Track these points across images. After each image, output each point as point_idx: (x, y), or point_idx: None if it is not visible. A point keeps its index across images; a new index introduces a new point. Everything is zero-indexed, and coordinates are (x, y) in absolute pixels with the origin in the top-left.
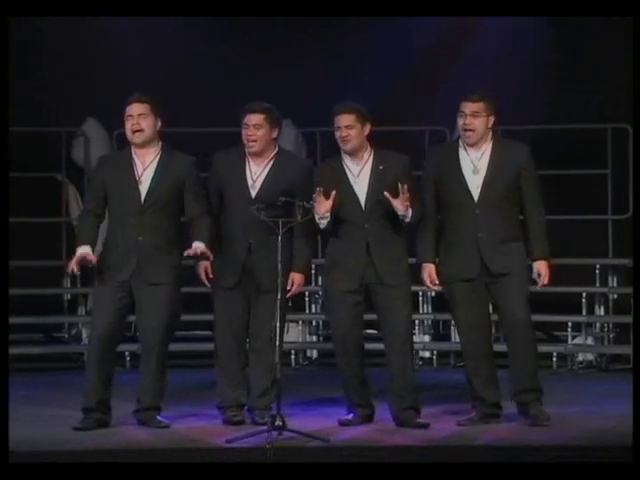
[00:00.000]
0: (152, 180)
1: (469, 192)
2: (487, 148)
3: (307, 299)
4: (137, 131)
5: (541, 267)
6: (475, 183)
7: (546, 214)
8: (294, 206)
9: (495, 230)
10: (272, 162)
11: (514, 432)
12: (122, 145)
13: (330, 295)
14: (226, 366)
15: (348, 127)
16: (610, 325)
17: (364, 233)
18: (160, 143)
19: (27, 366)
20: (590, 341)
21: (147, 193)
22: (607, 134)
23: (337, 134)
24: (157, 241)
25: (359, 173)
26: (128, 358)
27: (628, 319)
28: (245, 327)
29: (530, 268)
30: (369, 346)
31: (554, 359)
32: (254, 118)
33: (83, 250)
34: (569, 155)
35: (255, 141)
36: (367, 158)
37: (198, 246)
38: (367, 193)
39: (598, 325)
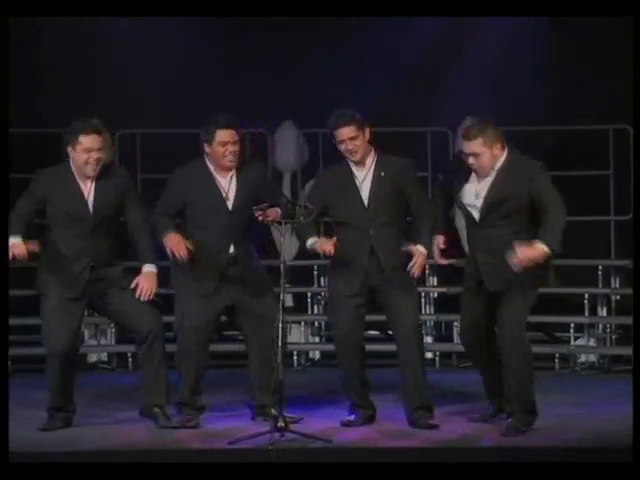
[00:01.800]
0: (98, 201)
1: (471, 213)
2: (493, 173)
3: (310, 300)
4: (96, 164)
5: (528, 247)
6: (476, 205)
7: None
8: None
9: (495, 250)
10: (235, 171)
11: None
12: (123, 146)
13: (332, 297)
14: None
15: (352, 139)
16: (612, 326)
17: (368, 237)
18: None
19: (27, 367)
20: (592, 342)
21: (98, 217)
22: (609, 135)
23: (342, 147)
24: (106, 254)
25: (363, 178)
26: (130, 359)
27: (630, 320)
28: (211, 332)
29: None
30: (371, 347)
31: (556, 360)
32: (234, 135)
33: (17, 241)
34: (570, 156)
35: (236, 157)
36: (370, 163)
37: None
38: (370, 198)
39: (600, 326)
